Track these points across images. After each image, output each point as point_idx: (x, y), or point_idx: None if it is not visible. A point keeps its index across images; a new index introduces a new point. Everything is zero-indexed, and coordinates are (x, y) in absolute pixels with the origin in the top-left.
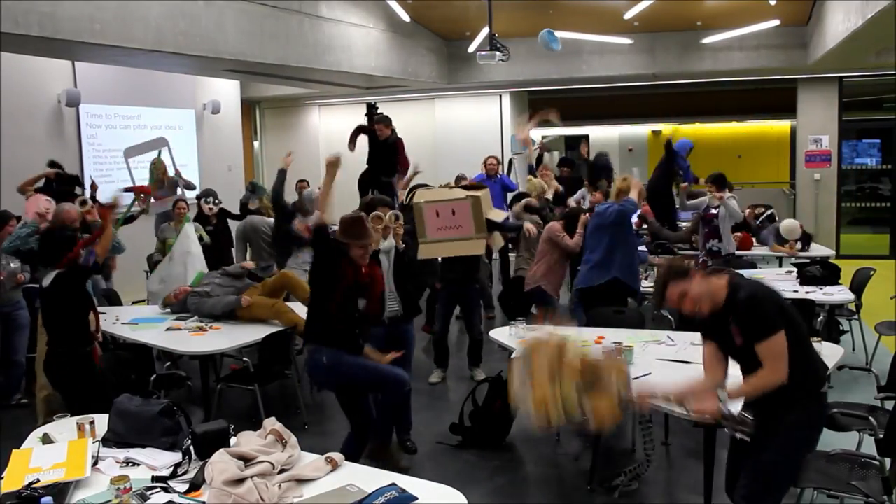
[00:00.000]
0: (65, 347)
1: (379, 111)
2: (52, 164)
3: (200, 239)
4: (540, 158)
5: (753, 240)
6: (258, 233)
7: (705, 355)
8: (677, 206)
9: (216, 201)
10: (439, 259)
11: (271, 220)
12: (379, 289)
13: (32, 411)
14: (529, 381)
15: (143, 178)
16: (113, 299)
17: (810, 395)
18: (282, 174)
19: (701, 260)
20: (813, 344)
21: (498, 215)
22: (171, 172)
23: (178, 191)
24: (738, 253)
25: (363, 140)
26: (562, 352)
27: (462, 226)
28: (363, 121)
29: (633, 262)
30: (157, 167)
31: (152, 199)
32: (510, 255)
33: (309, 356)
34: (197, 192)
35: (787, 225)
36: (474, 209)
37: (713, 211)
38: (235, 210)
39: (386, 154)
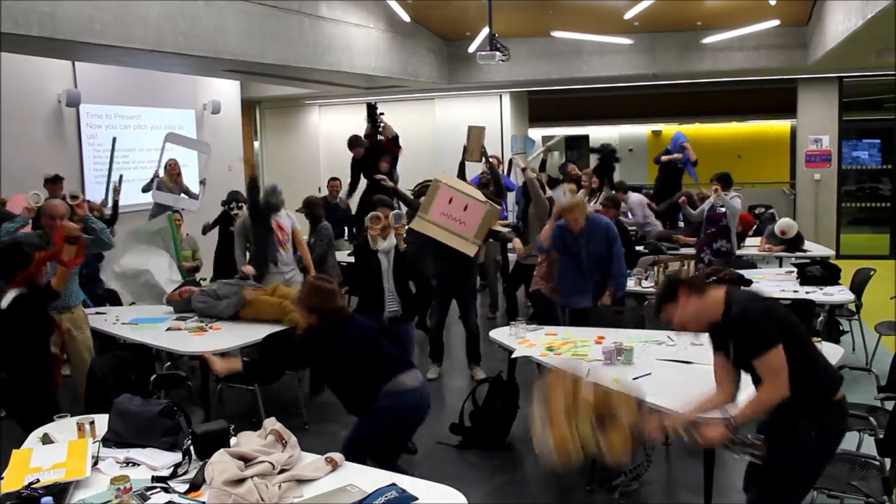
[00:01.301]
0: (24, 377)
1: (381, 113)
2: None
3: (193, 258)
4: (543, 163)
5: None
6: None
7: (715, 367)
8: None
9: (239, 205)
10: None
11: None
12: None
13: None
14: (549, 421)
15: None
16: (113, 299)
17: (820, 403)
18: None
19: (707, 259)
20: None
21: (499, 227)
22: (197, 180)
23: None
24: (738, 253)
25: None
26: (577, 387)
27: (466, 224)
28: (362, 122)
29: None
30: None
31: (155, 190)
32: (509, 254)
33: None
34: (198, 203)
35: (783, 223)
36: (486, 216)
37: (720, 210)
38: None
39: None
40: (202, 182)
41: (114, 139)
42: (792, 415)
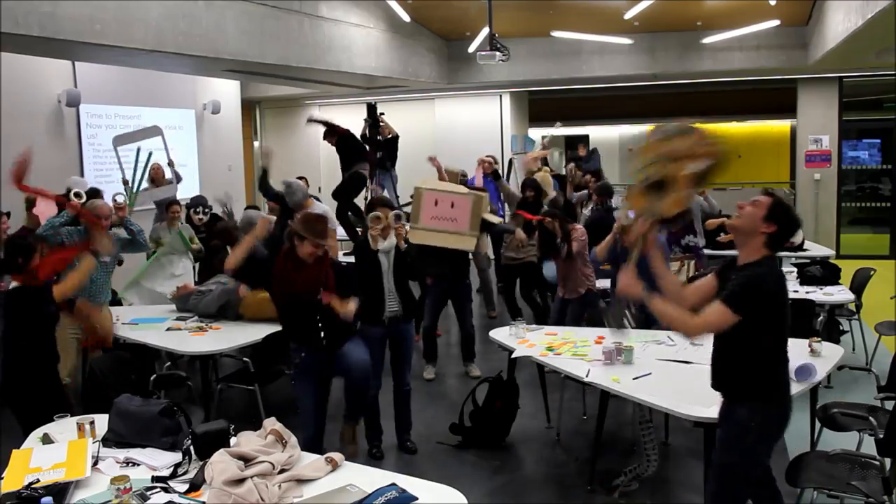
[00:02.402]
0: (19, 371)
1: (381, 113)
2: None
3: (192, 242)
4: (545, 161)
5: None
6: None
7: (703, 281)
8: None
9: (206, 210)
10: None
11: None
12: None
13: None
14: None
15: (130, 168)
16: (113, 299)
17: (767, 397)
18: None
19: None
20: (813, 344)
21: (493, 219)
22: (164, 162)
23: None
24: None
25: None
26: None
27: (457, 220)
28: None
29: None
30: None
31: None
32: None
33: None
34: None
35: None
36: (474, 207)
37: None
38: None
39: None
40: (170, 163)
41: (150, 153)
42: (737, 400)
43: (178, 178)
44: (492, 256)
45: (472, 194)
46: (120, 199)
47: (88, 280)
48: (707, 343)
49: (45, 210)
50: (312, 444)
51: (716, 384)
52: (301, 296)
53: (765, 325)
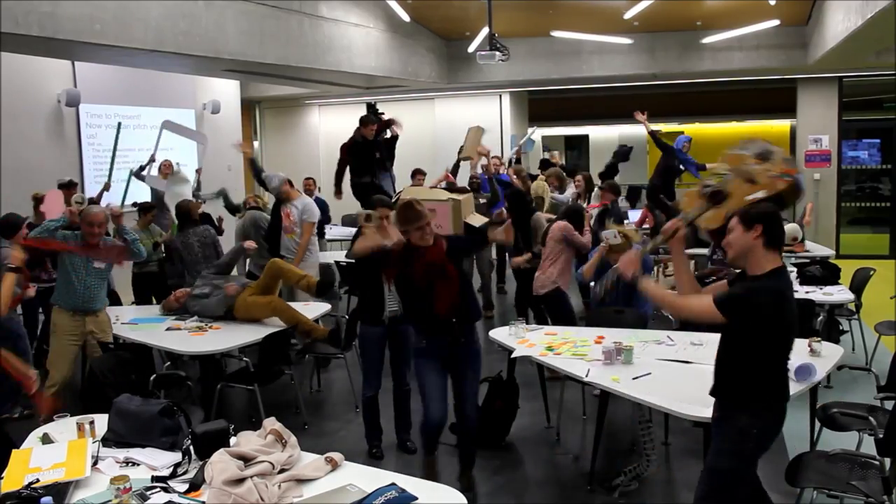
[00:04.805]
0: None
1: (381, 113)
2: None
3: (156, 247)
4: (547, 162)
5: None
6: (258, 229)
7: (716, 286)
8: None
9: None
10: None
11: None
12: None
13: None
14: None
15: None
16: (113, 299)
17: (768, 406)
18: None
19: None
20: (812, 344)
21: (477, 220)
22: (193, 168)
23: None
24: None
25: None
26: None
27: (441, 226)
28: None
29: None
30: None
31: (150, 175)
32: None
33: None
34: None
35: (790, 229)
36: (454, 212)
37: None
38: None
39: (372, 153)
40: (198, 171)
41: (119, 124)
42: (738, 409)
43: (198, 186)
44: (493, 258)
45: (450, 200)
46: (115, 206)
47: (82, 286)
48: (707, 343)
49: (54, 208)
50: (435, 432)
51: (716, 390)
52: (428, 276)
53: (760, 336)
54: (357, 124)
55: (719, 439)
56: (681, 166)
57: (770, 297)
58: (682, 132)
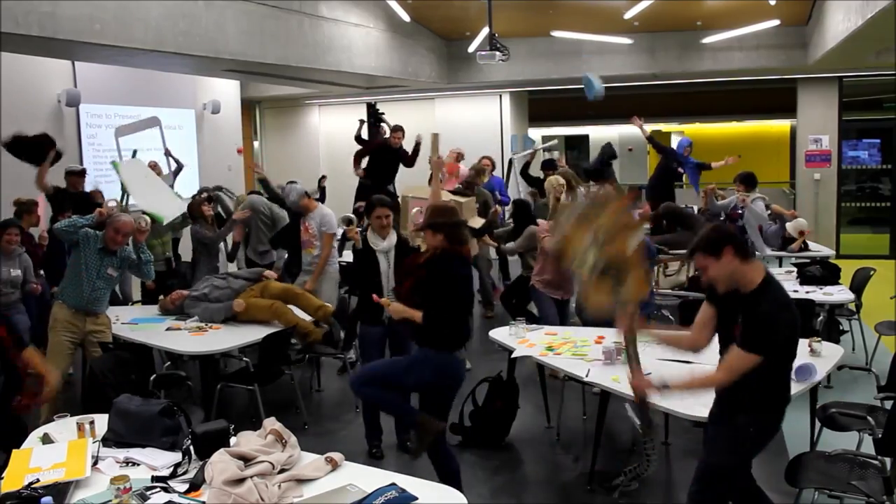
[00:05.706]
0: None
1: (382, 112)
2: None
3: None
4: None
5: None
6: (257, 213)
7: (701, 315)
8: (701, 207)
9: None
10: None
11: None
12: None
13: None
14: (577, 222)
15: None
16: (113, 299)
17: (768, 408)
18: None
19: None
20: (812, 344)
21: (477, 222)
22: (161, 153)
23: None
24: None
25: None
26: (618, 231)
27: None
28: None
29: None
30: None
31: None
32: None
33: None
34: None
35: (799, 223)
36: None
37: (739, 210)
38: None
39: (394, 161)
40: (166, 153)
41: (134, 151)
42: (737, 409)
43: (180, 165)
44: (493, 258)
45: (452, 200)
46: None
47: (90, 287)
48: (707, 346)
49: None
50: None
51: (718, 391)
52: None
53: (775, 356)
54: (387, 129)
55: (716, 436)
56: (679, 168)
57: (788, 320)
58: (683, 133)
